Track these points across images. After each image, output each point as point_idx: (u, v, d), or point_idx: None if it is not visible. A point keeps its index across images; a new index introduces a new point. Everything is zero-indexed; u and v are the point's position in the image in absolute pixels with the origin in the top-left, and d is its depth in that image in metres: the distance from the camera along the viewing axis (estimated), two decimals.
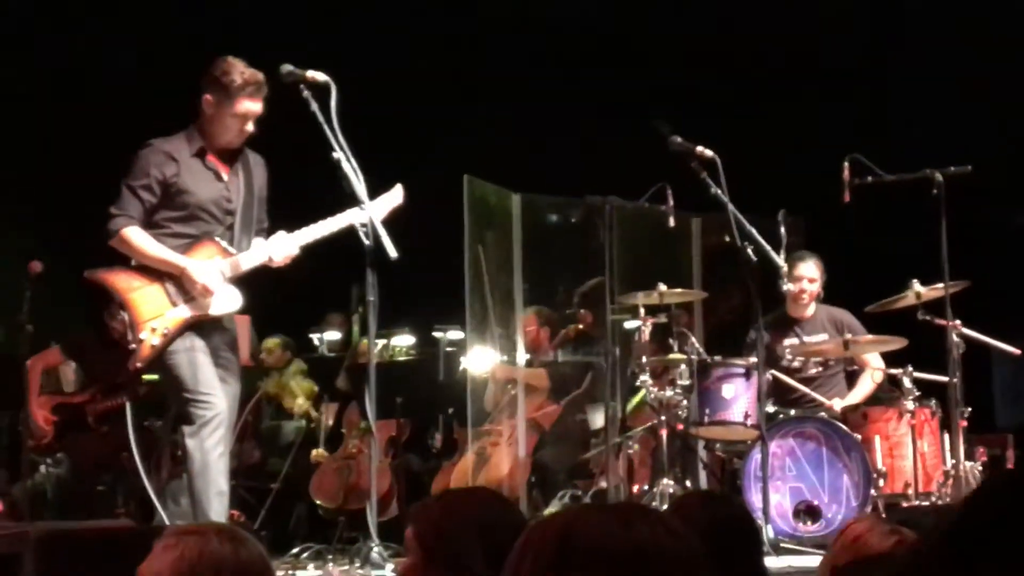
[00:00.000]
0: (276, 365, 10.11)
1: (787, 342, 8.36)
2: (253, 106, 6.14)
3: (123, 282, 6.09)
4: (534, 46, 11.26)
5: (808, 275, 8.34)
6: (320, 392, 9.87)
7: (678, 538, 2.07)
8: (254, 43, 6.54)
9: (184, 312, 6.07)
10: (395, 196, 6.35)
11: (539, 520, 2.17)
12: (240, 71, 6.10)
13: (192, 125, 6.25)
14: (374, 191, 6.16)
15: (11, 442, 8.44)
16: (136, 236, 6.06)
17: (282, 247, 6.21)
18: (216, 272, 6.10)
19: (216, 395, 6.03)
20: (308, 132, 5.98)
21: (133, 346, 6.01)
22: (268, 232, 6.37)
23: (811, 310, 8.46)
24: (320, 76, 5.99)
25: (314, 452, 9.62)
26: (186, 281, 6.04)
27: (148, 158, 6.15)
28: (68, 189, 9.88)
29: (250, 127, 6.19)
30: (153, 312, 6.03)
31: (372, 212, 6.00)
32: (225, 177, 6.25)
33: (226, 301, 6.18)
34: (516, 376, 9.15)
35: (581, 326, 9.48)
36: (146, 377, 7.02)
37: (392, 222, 6.11)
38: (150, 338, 6.01)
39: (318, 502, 9.39)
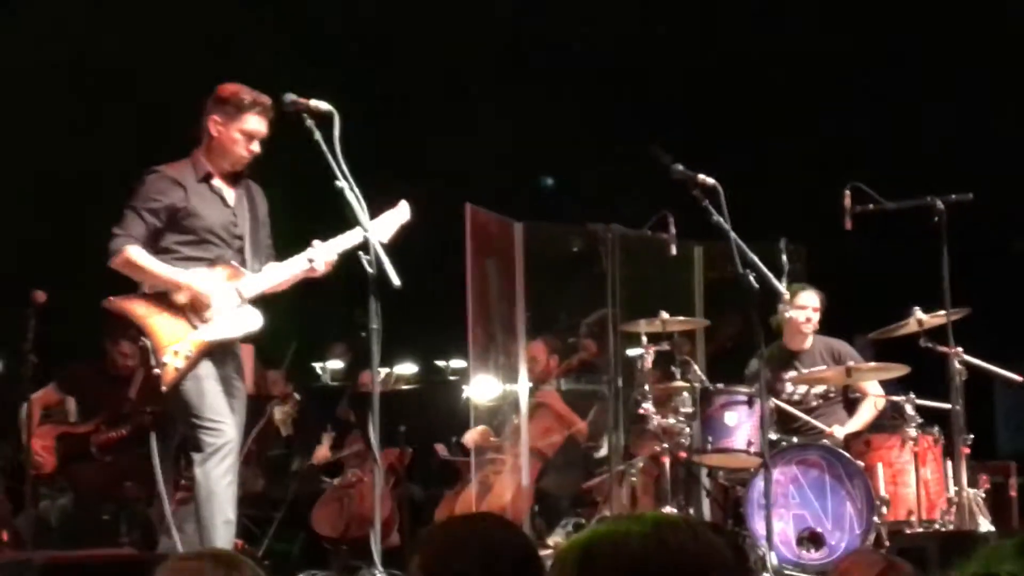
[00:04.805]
0: (279, 395, 10.10)
1: (786, 376, 8.37)
2: (260, 125, 6.18)
3: (142, 308, 6.08)
4: (536, 74, 11.31)
5: (812, 304, 8.36)
6: (322, 421, 9.86)
7: (708, 545, 2.09)
8: (253, 75, 6.55)
9: (205, 335, 6.07)
10: (401, 213, 6.37)
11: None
12: (248, 92, 6.18)
13: (195, 151, 6.27)
14: (376, 217, 6.18)
15: (14, 472, 8.45)
16: (139, 255, 6.06)
17: (322, 253, 6.22)
18: (226, 298, 6.11)
19: (226, 423, 6.02)
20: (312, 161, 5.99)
21: (157, 370, 5.99)
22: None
23: (808, 342, 8.47)
24: (323, 105, 5.98)
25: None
26: (190, 295, 6.05)
27: (154, 184, 6.17)
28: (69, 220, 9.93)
29: (256, 147, 6.22)
30: (175, 336, 6.02)
31: (379, 233, 6.02)
32: (231, 202, 6.28)
33: (245, 322, 6.18)
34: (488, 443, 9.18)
35: (584, 355, 9.49)
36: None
37: (395, 251, 6.10)
38: (173, 361, 5.99)
39: (319, 532, 9.38)
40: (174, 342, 6.01)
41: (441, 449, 9.72)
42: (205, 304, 6.06)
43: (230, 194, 6.29)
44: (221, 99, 6.19)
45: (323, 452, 9.71)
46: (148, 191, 6.15)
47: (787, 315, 8.16)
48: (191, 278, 6.06)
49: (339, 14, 10.83)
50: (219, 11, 10.26)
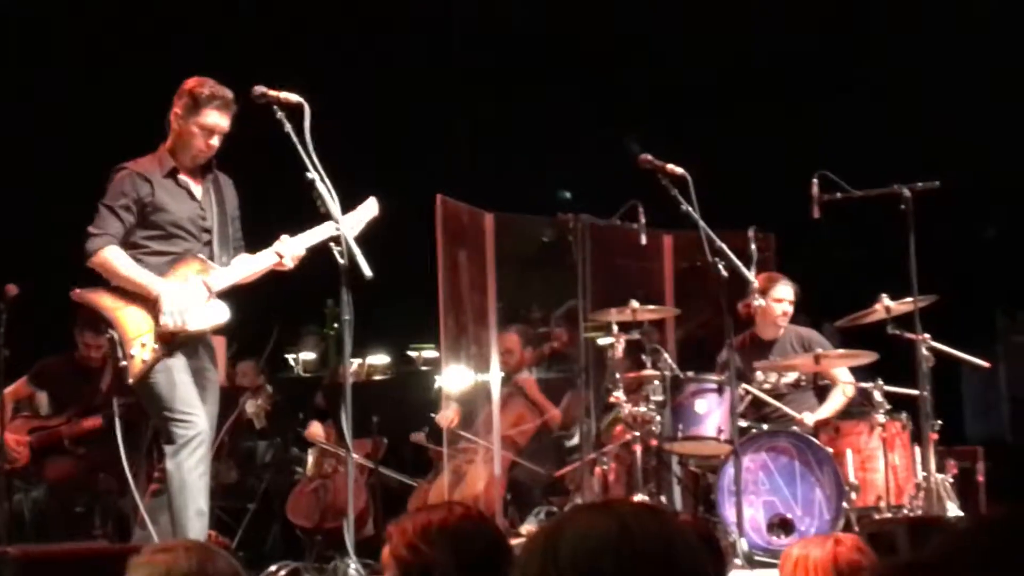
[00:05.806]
0: (250, 387, 10.11)
1: (757, 364, 8.41)
2: (220, 120, 6.17)
3: (110, 300, 6.10)
4: (505, 65, 11.33)
5: (788, 297, 8.37)
6: (295, 412, 9.87)
7: (674, 532, 2.11)
8: (227, 67, 6.55)
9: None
10: (370, 208, 6.39)
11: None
12: (210, 85, 6.17)
13: (161, 146, 6.28)
14: (348, 210, 6.19)
15: None
16: (115, 258, 6.07)
17: (291, 248, 6.24)
18: (194, 291, 6.13)
19: (197, 414, 6.03)
20: (281, 152, 6.00)
21: (124, 363, 6.00)
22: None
23: (780, 331, 8.51)
24: (293, 97, 6.00)
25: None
26: (158, 307, 6.05)
27: (124, 180, 6.18)
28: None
29: (215, 142, 6.21)
30: (142, 328, 6.04)
31: (348, 228, 6.04)
32: (198, 196, 6.30)
33: (213, 314, 6.19)
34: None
35: (556, 344, 9.53)
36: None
37: (366, 242, 6.13)
38: (140, 353, 6.00)
39: (295, 522, 9.39)
40: (141, 334, 6.03)
41: (419, 438, 9.74)
42: (163, 316, 6.06)
43: (197, 188, 6.31)
44: (183, 92, 6.20)
45: (316, 430, 9.67)
46: (119, 187, 6.17)
47: (756, 304, 8.19)
48: (163, 290, 6.06)
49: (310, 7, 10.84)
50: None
